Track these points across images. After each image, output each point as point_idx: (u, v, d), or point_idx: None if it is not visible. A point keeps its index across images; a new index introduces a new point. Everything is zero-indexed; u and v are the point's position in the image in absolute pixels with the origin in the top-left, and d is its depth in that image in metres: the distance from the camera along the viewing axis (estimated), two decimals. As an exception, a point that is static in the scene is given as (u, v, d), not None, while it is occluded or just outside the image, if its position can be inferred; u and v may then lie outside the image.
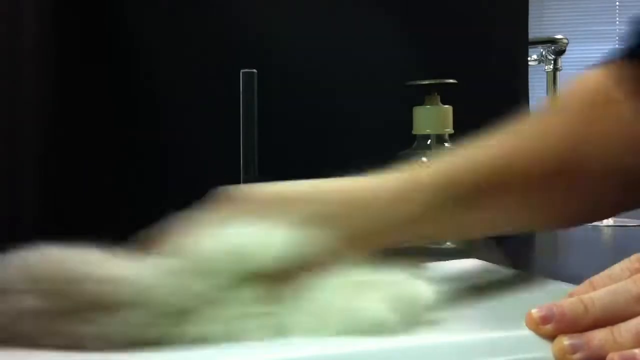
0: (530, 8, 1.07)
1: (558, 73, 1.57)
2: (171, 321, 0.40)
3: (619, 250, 0.94)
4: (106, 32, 0.85)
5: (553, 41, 1.56)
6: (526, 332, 0.40)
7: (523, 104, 1.05)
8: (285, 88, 0.90)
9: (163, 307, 0.40)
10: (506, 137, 0.55)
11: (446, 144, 0.79)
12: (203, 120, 0.89)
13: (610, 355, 0.37)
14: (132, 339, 0.39)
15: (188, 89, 0.89)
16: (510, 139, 0.55)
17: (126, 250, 0.44)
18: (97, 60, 0.86)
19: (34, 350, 0.39)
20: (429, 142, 0.80)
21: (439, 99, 0.79)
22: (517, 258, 0.70)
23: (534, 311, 0.40)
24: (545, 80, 1.59)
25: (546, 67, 1.59)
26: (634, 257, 0.43)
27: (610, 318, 0.39)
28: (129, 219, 0.87)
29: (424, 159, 0.79)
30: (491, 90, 1.01)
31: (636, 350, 0.37)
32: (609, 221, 1.06)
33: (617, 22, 4.17)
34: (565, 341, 0.39)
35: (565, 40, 1.56)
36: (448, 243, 0.73)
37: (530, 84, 1.09)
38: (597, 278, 0.42)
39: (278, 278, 0.42)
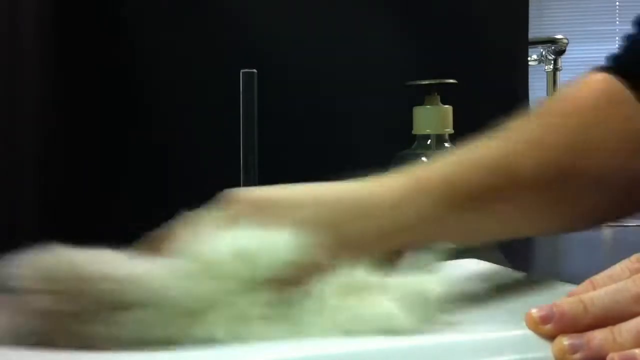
0: (530, 8, 1.07)
1: (558, 73, 1.58)
2: (182, 322, 0.40)
3: (618, 250, 0.94)
4: (106, 33, 0.85)
5: (553, 41, 1.56)
6: (526, 332, 0.40)
7: (523, 104, 1.05)
8: (285, 88, 0.90)
9: (175, 308, 0.40)
10: (508, 139, 0.54)
11: (446, 144, 0.79)
12: (203, 121, 0.89)
13: (610, 356, 0.37)
14: (144, 339, 0.39)
15: (188, 89, 0.89)
16: (512, 141, 0.54)
17: (134, 251, 0.44)
18: (96, 61, 0.86)
19: (49, 351, 0.39)
20: (429, 142, 0.80)
21: (439, 99, 0.79)
22: (517, 258, 0.70)
23: (533, 311, 0.40)
24: (545, 80, 1.60)
25: (546, 67, 1.59)
26: (634, 257, 0.43)
27: (610, 318, 0.39)
28: (128, 219, 0.87)
29: (423, 159, 0.79)
30: (491, 90, 1.01)
31: (636, 351, 0.37)
32: (609, 221, 1.06)
33: (617, 22, 4.17)
34: (565, 341, 0.39)
35: (565, 40, 1.56)
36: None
37: (530, 84, 1.09)
38: (597, 278, 0.42)
39: (285, 281, 0.42)
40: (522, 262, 0.75)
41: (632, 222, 1.06)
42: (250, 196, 0.49)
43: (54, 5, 0.83)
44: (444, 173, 0.51)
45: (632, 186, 0.55)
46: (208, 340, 0.40)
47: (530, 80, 1.09)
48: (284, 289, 0.42)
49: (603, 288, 0.41)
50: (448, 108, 0.79)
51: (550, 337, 0.39)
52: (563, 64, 1.58)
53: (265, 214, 0.46)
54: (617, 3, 4.15)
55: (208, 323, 0.41)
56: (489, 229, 0.53)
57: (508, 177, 0.52)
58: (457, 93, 0.78)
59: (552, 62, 1.57)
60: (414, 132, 0.80)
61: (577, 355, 0.38)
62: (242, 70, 0.75)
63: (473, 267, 0.62)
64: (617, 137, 0.56)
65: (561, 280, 0.54)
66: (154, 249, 0.45)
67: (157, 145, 0.89)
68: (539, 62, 1.59)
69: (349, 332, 0.41)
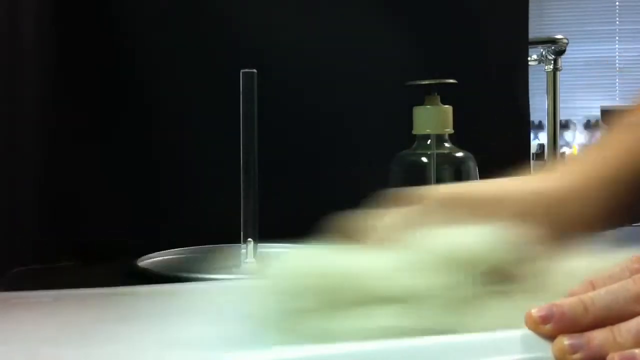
0: (530, 8, 1.07)
1: (558, 73, 1.58)
2: (449, 313, 0.42)
3: (619, 250, 0.93)
4: (106, 33, 0.85)
5: (553, 41, 1.56)
6: (526, 332, 0.40)
7: (523, 104, 1.05)
8: (285, 88, 0.90)
9: (422, 300, 0.42)
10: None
11: (446, 144, 0.79)
12: (203, 121, 0.89)
13: (610, 356, 0.37)
14: (386, 331, 0.41)
15: (188, 89, 0.89)
16: None
17: (337, 245, 0.47)
18: (96, 61, 0.86)
19: (50, 350, 0.39)
20: (429, 142, 0.80)
21: (439, 99, 0.79)
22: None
23: (533, 311, 0.40)
24: (545, 80, 1.60)
25: (546, 67, 1.59)
26: (634, 257, 0.43)
27: (610, 318, 0.39)
28: (128, 219, 0.87)
29: (423, 159, 0.79)
30: (491, 90, 1.01)
31: (636, 351, 0.37)
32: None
33: (617, 22, 4.17)
34: (565, 341, 0.39)
35: (565, 40, 1.56)
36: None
37: (530, 84, 1.09)
38: (597, 278, 0.42)
39: (505, 274, 0.44)
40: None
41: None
42: (438, 193, 0.51)
43: (54, 5, 0.83)
44: (617, 164, 0.54)
45: None
46: (448, 330, 0.41)
47: (530, 80, 1.09)
48: (503, 279, 0.44)
49: (603, 288, 0.41)
50: (448, 108, 0.79)
51: (550, 337, 0.39)
52: (563, 64, 1.58)
53: (459, 210, 0.48)
54: (617, 3, 4.15)
55: (447, 313, 0.42)
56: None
57: None
58: (457, 93, 0.78)
59: (552, 62, 1.57)
60: (414, 132, 0.80)
61: (577, 355, 0.38)
62: (242, 70, 0.75)
63: None
64: None
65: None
66: (357, 241, 0.48)
67: (157, 145, 0.89)
68: (539, 62, 1.59)
69: None
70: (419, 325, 0.41)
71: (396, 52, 0.96)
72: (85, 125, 0.85)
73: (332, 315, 0.41)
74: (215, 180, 0.88)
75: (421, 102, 0.80)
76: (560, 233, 0.49)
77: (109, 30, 0.85)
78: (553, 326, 0.39)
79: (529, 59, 1.20)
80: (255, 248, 0.75)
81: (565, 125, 4.22)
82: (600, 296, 0.40)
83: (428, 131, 0.79)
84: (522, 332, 0.40)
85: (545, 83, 1.59)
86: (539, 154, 2.92)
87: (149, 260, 0.77)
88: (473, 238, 0.44)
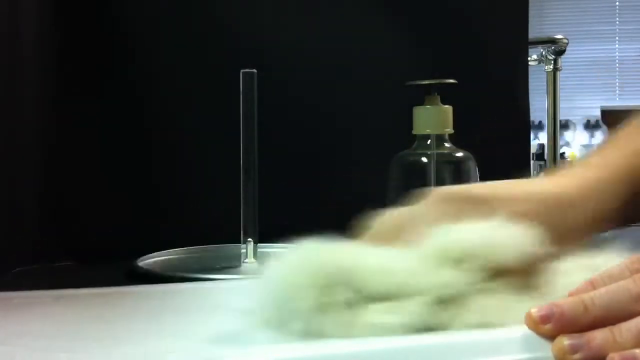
0: (530, 8, 1.07)
1: (558, 73, 1.58)
2: (441, 310, 0.42)
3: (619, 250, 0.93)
4: (106, 33, 0.85)
5: (553, 41, 1.56)
6: (526, 332, 0.40)
7: (523, 104, 1.05)
8: (285, 88, 0.90)
9: (435, 296, 0.42)
10: None
11: (446, 144, 0.79)
12: (203, 121, 0.89)
13: (610, 356, 0.37)
14: (411, 326, 0.41)
15: (188, 89, 0.89)
16: None
17: (363, 241, 0.48)
18: (96, 61, 0.86)
19: (51, 350, 0.39)
20: (429, 142, 0.80)
21: (439, 99, 0.79)
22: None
23: (533, 310, 0.40)
24: (545, 80, 1.60)
25: (546, 67, 1.59)
26: (634, 257, 0.43)
27: (609, 317, 0.39)
28: (128, 219, 0.87)
29: (423, 159, 0.79)
30: (491, 90, 1.01)
31: (636, 351, 0.37)
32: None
33: (617, 22, 4.17)
34: (565, 341, 0.39)
35: (565, 40, 1.56)
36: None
37: (530, 84, 1.09)
38: (597, 277, 0.42)
39: (523, 270, 0.45)
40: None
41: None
42: (456, 193, 0.52)
43: (54, 5, 0.83)
44: (626, 163, 0.55)
45: None
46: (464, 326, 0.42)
47: (530, 80, 1.09)
48: (520, 277, 0.45)
49: (603, 287, 0.41)
50: (448, 108, 0.79)
51: (550, 336, 0.39)
52: (563, 64, 1.58)
53: (477, 209, 0.48)
54: (617, 3, 4.15)
55: (463, 311, 0.43)
56: None
57: None
58: (457, 93, 0.78)
59: (552, 62, 1.57)
60: (414, 132, 0.80)
61: (577, 356, 0.38)
62: (242, 70, 0.75)
63: None
64: None
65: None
66: (382, 239, 0.48)
67: (157, 145, 0.88)
68: (539, 62, 1.59)
69: None
70: (421, 322, 0.41)
71: (396, 52, 0.96)
72: (85, 126, 0.85)
73: (352, 310, 0.42)
74: (215, 180, 0.88)
75: (421, 102, 0.80)
76: (565, 235, 0.49)
77: (109, 31, 0.85)
78: (553, 326, 0.39)
79: (529, 59, 1.20)
80: (255, 248, 0.75)
81: (565, 125, 4.22)
82: (600, 296, 0.40)
83: (428, 131, 0.79)
84: (522, 332, 0.40)
85: (545, 83, 1.60)
86: (539, 154, 2.93)
87: (149, 260, 0.77)
88: (477, 233, 0.45)
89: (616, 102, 4.32)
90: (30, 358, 0.39)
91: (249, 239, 0.75)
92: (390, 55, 0.96)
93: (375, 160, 0.83)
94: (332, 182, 0.93)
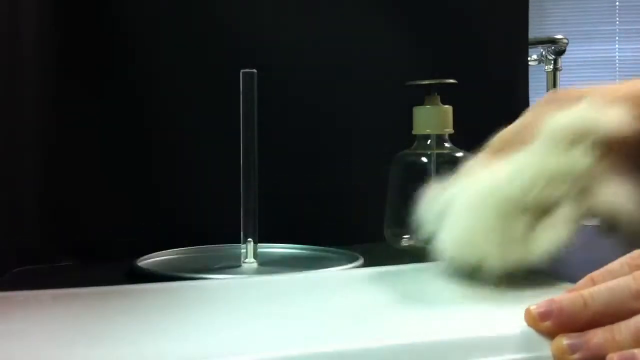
0: (530, 8, 1.07)
1: (558, 73, 1.58)
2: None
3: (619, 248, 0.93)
4: (106, 33, 0.85)
5: (553, 41, 1.56)
6: (525, 331, 0.40)
7: (523, 104, 1.05)
8: (285, 88, 0.90)
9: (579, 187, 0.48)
10: None
11: (446, 144, 0.79)
12: (203, 121, 0.89)
13: (609, 356, 0.37)
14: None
15: (188, 89, 0.89)
16: None
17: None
18: (96, 61, 0.86)
19: (50, 349, 0.39)
20: (429, 142, 0.80)
21: (439, 99, 0.79)
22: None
23: (532, 307, 0.40)
24: (545, 80, 1.60)
25: (546, 67, 1.59)
26: (634, 253, 0.43)
27: (609, 314, 0.39)
28: (128, 219, 0.87)
29: (423, 159, 0.79)
30: (491, 90, 1.01)
31: (635, 351, 0.37)
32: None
33: (617, 22, 4.16)
34: (564, 341, 0.39)
35: (565, 40, 1.56)
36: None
37: (530, 84, 1.09)
38: (597, 274, 0.42)
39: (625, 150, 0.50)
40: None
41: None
42: (556, 93, 0.58)
43: (54, 5, 0.83)
44: None
45: None
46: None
47: (530, 80, 1.09)
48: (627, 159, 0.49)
49: (603, 284, 0.41)
50: (448, 108, 0.79)
51: (550, 333, 0.39)
52: (563, 64, 1.58)
53: (578, 100, 0.52)
54: (617, 3, 4.14)
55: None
56: None
57: None
58: (457, 93, 0.78)
59: (552, 62, 1.57)
60: (414, 132, 0.80)
61: (577, 356, 0.38)
62: (242, 70, 0.75)
63: None
64: None
65: (562, 279, 0.54)
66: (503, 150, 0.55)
67: (157, 145, 0.88)
68: (539, 62, 1.59)
69: None
70: None
71: (396, 52, 0.96)
72: (85, 126, 0.85)
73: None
74: (215, 180, 0.88)
75: (421, 102, 0.80)
76: None
77: (109, 31, 0.85)
78: (552, 323, 0.39)
79: (529, 59, 1.20)
80: (255, 248, 0.76)
81: (565, 126, 4.21)
82: (600, 292, 0.40)
83: (428, 131, 0.79)
84: (522, 331, 0.40)
85: (545, 83, 1.60)
86: (539, 154, 2.92)
87: (149, 260, 0.77)
88: (580, 112, 0.49)
89: (616, 102, 4.30)
90: (30, 358, 0.39)
91: (249, 239, 0.75)
92: (390, 55, 0.96)
93: (375, 161, 0.83)
94: (332, 182, 0.93)
